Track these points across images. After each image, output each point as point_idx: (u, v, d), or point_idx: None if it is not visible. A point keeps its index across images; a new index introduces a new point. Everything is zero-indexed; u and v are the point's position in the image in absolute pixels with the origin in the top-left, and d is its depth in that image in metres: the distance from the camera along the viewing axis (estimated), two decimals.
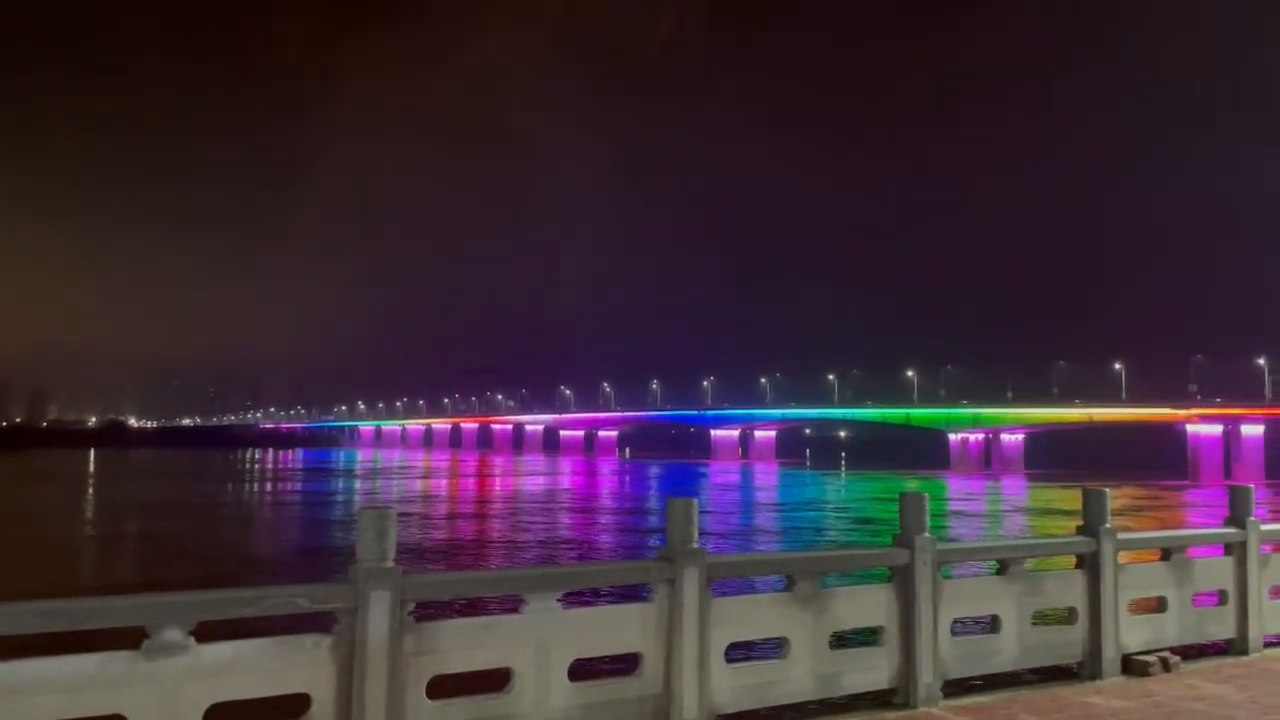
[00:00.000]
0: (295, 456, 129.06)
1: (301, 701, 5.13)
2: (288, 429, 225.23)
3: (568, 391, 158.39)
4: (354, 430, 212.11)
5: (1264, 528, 9.56)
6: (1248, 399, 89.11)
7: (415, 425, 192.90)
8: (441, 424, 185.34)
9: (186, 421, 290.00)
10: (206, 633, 4.92)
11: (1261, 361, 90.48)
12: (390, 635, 5.29)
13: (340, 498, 56.67)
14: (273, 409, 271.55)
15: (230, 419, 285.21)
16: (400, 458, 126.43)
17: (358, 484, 71.01)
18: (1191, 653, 8.97)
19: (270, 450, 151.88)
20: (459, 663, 5.62)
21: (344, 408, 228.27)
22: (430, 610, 5.76)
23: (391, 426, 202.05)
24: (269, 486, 69.50)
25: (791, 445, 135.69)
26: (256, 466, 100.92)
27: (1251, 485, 10.39)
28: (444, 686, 5.54)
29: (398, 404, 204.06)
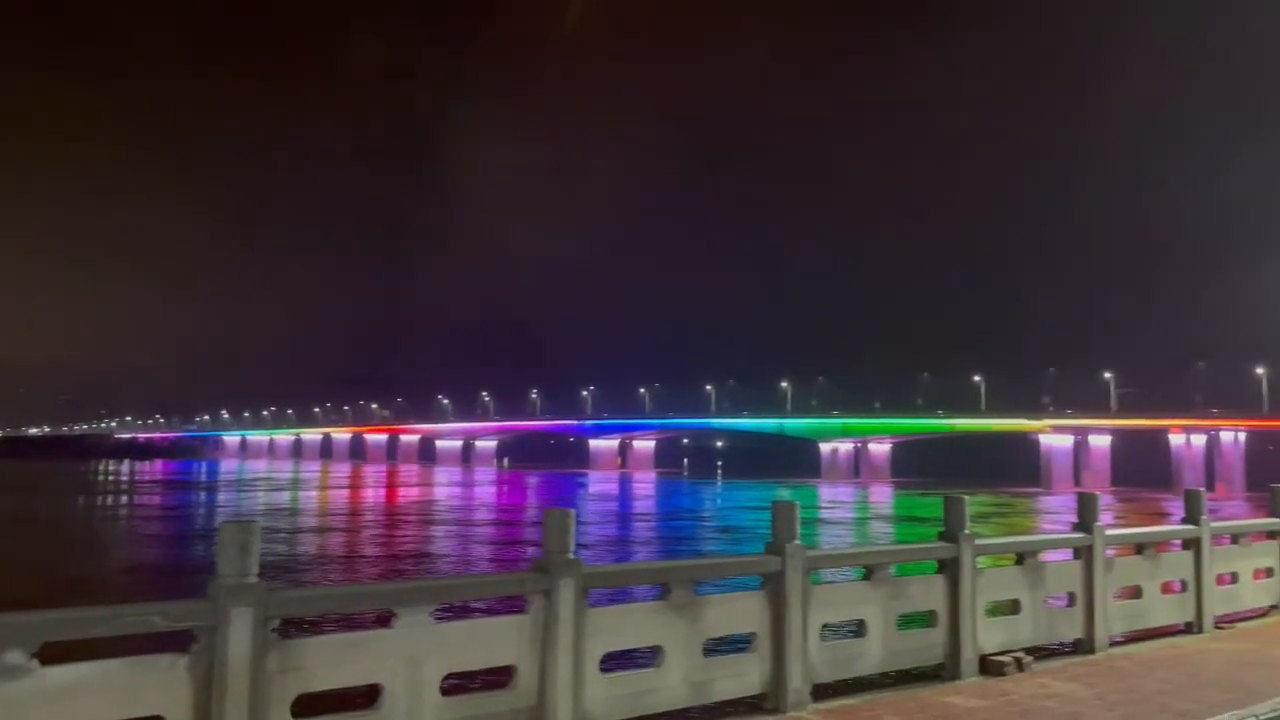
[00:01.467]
0: (154, 468, 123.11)
1: None
2: (145, 439, 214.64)
3: (445, 401, 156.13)
4: (218, 440, 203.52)
5: (1109, 532, 10.14)
6: (1096, 410, 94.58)
7: (283, 436, 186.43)
8: (311, 434, 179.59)
9: (35, 431, 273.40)
10: (53, 655, 4.64)
11: (1108, 376, 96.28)
12: (252, 653, 5.10)
13: (201, 511, 54.33)
14: (130, 418, 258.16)
15: (84, 428, 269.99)
16: (267, 469, 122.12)
17: (220, 496, 68.26)
18: (1044, 653, 9.44)
19: (127, 461, 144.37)
20: (326, 680, 5.46)
21: (207, 417, 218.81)
22: (298, 627, 5.58)
23: (258, 437, 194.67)
24: (125, 500, 66.05)
25: (670, 455, 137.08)
26: (111, 478, 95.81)
27: (1098, 493, 11.02)
28: (312, 705, 5.37)
29: (264, 413, 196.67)
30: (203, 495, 69.12)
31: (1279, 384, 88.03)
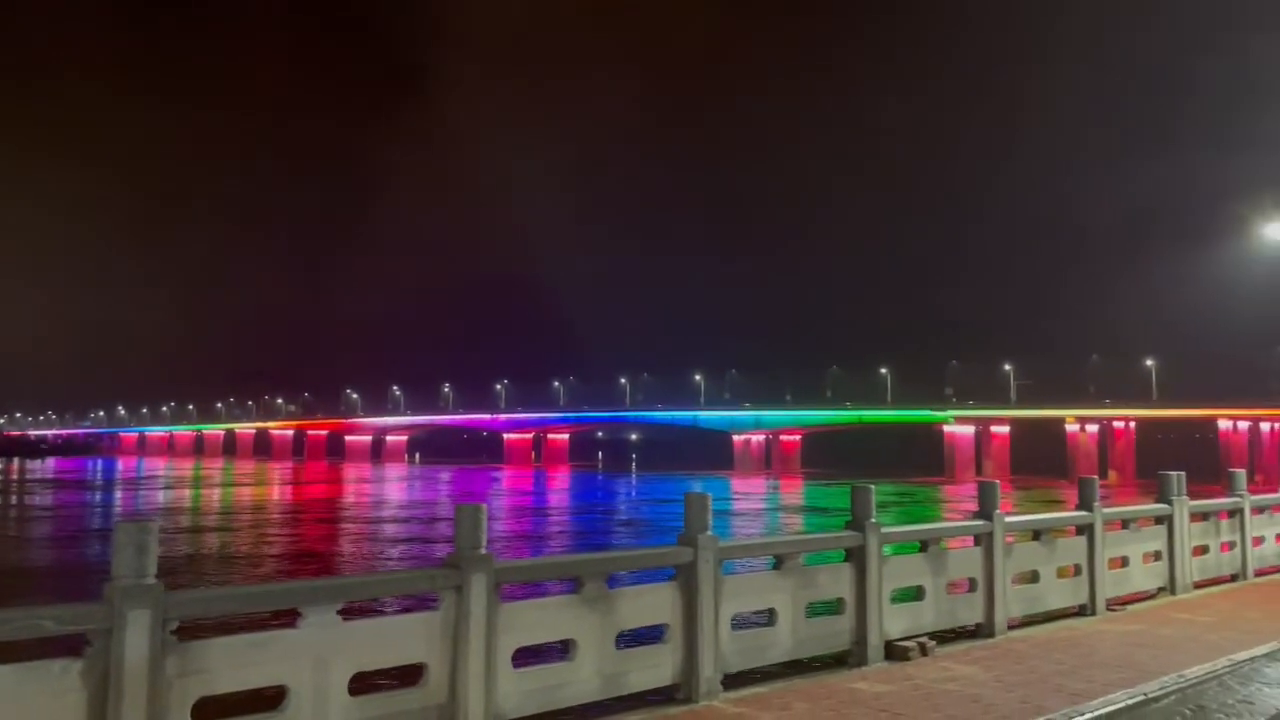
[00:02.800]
0: (46, 466, 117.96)
1: None
2: (37, 436, 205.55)
3: (354, 396, 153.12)
4: (114, 438, 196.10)
5: (1008, 520, 10.49)
6: (996, 402, 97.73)
7: (184, 432, 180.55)
8: (214, 430, 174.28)
9: None
10: None
11: (1008, 368, 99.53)
12: (150, 657, 4.93)
13: (98, 510, 52.28)
14: (19, 414, 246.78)
15: None
16: (167, 466, 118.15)
17: (117, 495, 65.81)
18: (947, 637, 9.72)
19: (15, 459, 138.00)
20: (228, 682, 5.32)
21: (102, 413, 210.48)
22: (199, 629, 5.42)
23: (157, 433, 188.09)
24: (14, 500, 63.15)
25: (585, 448, 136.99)
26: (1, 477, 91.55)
27: (997, 481, 11.40)
28: (214, 709, 5.22)
29: (163, 409, 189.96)
30: (99, 494, 66.53)
31: (1168, 375, 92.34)
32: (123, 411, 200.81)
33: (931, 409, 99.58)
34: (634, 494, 66.53)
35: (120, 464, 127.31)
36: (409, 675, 6.07)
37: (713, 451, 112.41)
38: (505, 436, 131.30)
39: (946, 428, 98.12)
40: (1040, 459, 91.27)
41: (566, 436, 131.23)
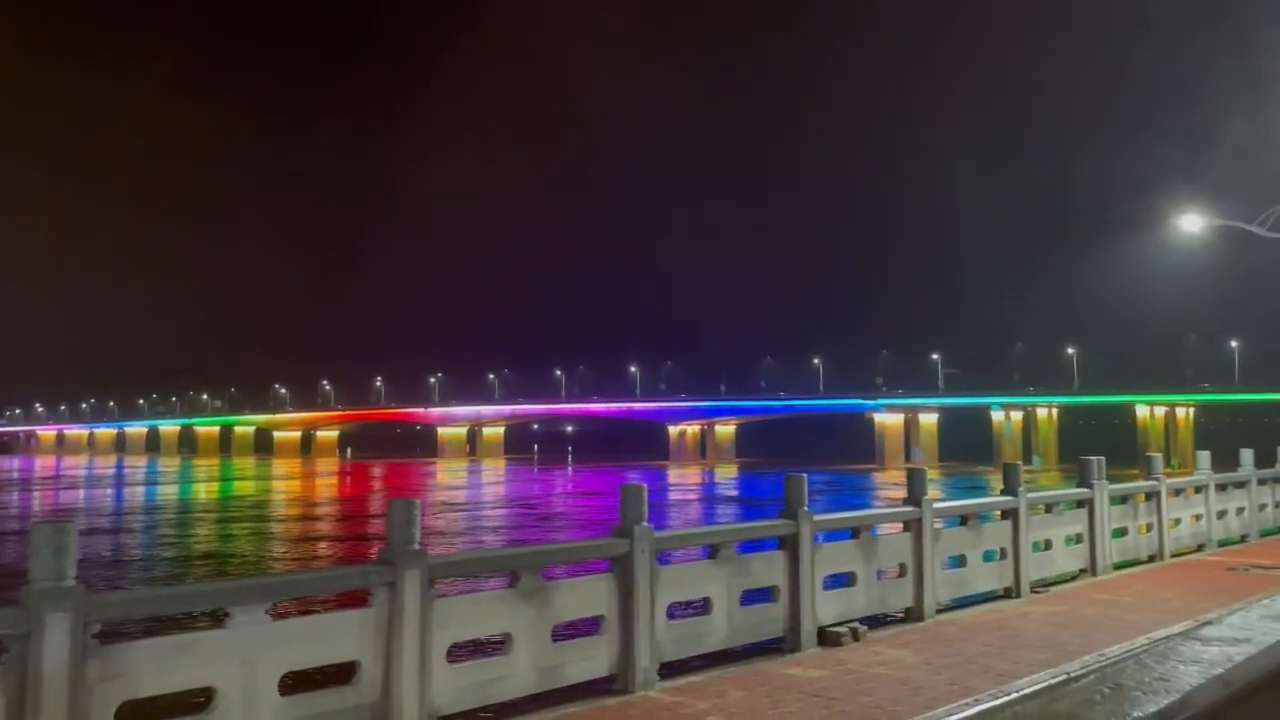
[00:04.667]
0: None
1: None
2: None
3: (283, 390, 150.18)
4: (30, 435, 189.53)
5: (936, 505, 10.71)
6: (925, 390, 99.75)
7: (104, 429, 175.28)
8: (136, 427, 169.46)
9: None
10: None
11: (936, 357, 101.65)
12: (70, 661, 4.80)
13: (14, 511, 50.56)
14: None
15: None
16: (87, 464, 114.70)
17: (35, 495, 63.71)
18: (878, 622, 9.90)
19: None
20: (153, 685, 5.19)
21: (18, 410, 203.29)
22: (123, 631, 5.28)
23: (76, 431, 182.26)
24: None
25: (521, 440, 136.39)
26: None
27: (925, 468, 11.62)
28: (139, 712, 5.10)
29: (83, 406, 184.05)
30: (14, 494, 64.29)
31: (1089, 363, 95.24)
32: (40, 409, 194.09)
33: (862, 398, 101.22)
34: (571, 486, 66.42)
35: (38, 463, 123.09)
36: (342, 674, 5.99)
37: (648, 442, 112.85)
38: (439, 430, 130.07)
39: (877, 416, 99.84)
40: (968, 446, 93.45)
41: (502, 429, 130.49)
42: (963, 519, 11.35)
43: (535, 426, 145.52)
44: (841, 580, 9.58)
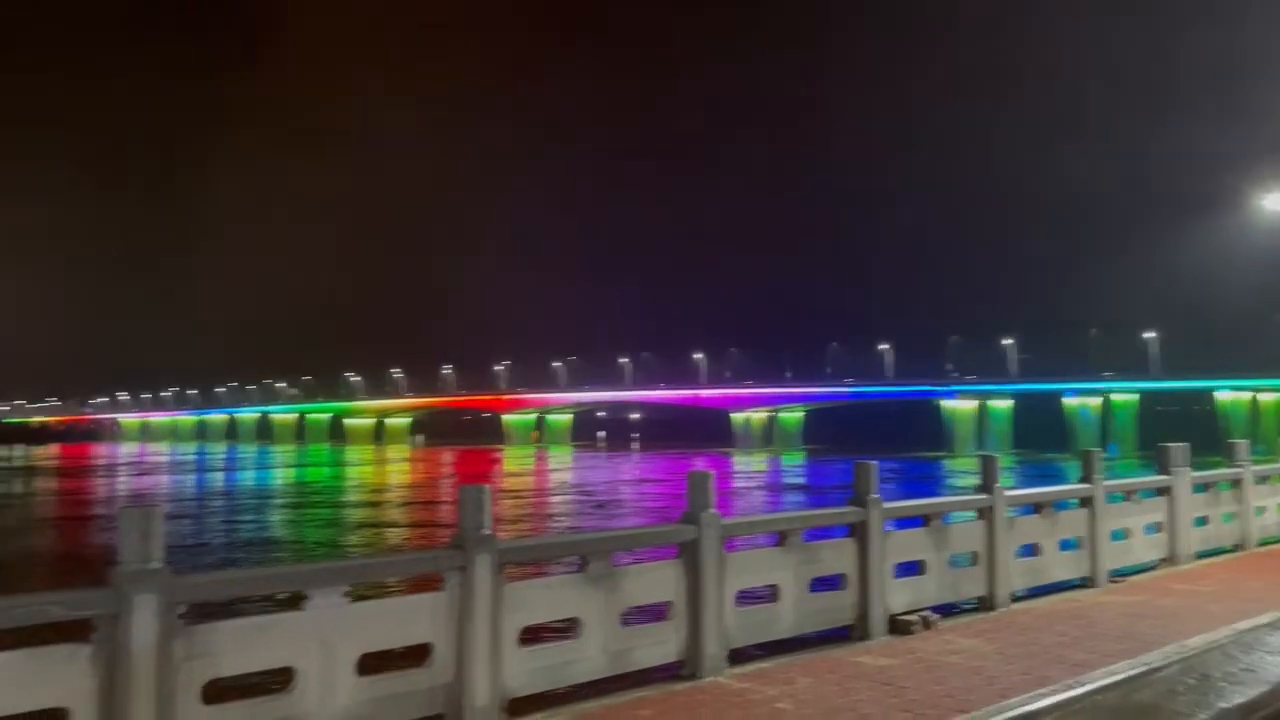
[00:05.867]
0: (50, 452, 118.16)
1: (58, 717, 4.74)
2: (40, 422, 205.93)
3: (355, 378, 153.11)
4: (114, 423, 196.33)
5: (1008, 493, 10.52)
6: (997, 376, 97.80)
7: (186, 417, 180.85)
8: (215, 415, 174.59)
9: None
10: None
11: (1008, 342, 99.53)
12: (158, 641, 4.96)
13: (107, 495, 52.44)
14: (20, 401, 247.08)
15: None
16: (169, 451, 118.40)
17: (129, 480, 65.94)
18: (950, 610, 9.77)
19: (19, 446, 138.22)
20: (236, 665, 5.36)
21: (105, 399, 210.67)
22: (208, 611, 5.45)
23: (161, 418, 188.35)
24: (22, 486, 63.30)
25: (587, 427, 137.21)
26: (6, 464, 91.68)
27: (998, 455, 11.42)
28: (223, 691, 5.26)
29: (165, 394, 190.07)
30: (108, 479, 66.69)
31: (1168, 348, 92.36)
32: (125, 397, 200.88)
33: (932, 385, 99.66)
34: (637, 473, 66.60)
35: (125, 449, 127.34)
36: (416, 656, 6.11)
37: (713, 430, 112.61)
38: (504, 417, 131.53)
39: (947, 403, 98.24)
40: (1042, 433, 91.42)
41: (569, 416, 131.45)
42: (1037, 507, 11.14)
43: (601, 414, 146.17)
44: (912, 568, 9.47)
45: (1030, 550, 10.88)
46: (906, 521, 9.66)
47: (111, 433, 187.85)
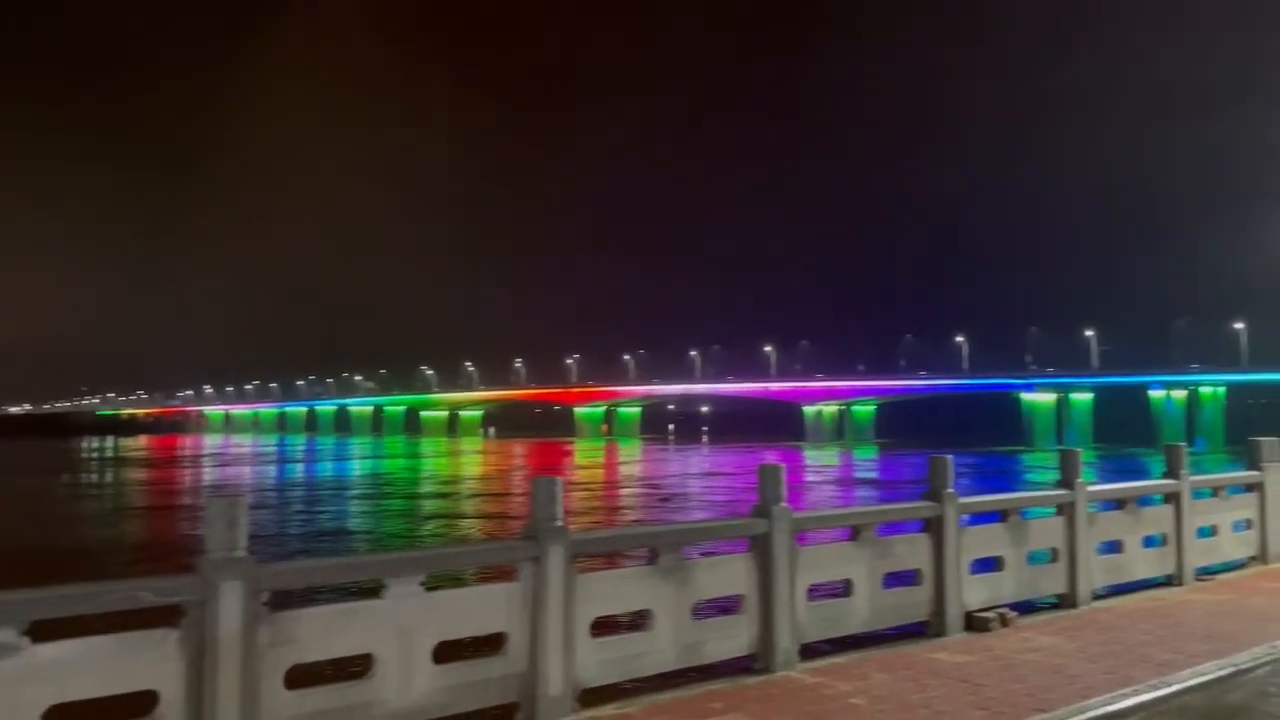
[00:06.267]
0: (138, 443, 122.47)
1: (149, 699, 4.92)
2: (129, 414, 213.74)
3: (429, 372, 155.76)
4: (199, 414, 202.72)
5: (1090, 489, 10.25)
6: (1077, 368, 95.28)
7: (267, 409, 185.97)
8: (296, 407, 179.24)
9: (15, 409, 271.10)
10: (46, 632, 4.65)
11: (1090, 334, 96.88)
12: (243, 627, 5.11)
13: (196, 485, 54.20)
14: (112, 394, 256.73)
15: (65, 405, 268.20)
16: (251, 443, 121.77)
17: (215, 470, 68.03)
18: (1029, 608, 9.57)
19: (111, 437, 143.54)
20: (318, 651, 5.49)
21: (190, 392, 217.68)
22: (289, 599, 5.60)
23: (243, 410, 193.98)
24: (111, 476, 65.75)
25: (656, 421, 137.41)
26: (96, 455, 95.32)
27: (1079, 449, 11.13)
28: (305, 676, 5.40)
29: (248, 387, 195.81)
30: (193, 470, 68.88)
31: (1258, 338, 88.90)
32: (209, 390, 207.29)
33: (1009, 377, 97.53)
34: (707, 466, 66.47)
35: (209, 440, 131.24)
36: (491, 645, 6.20)
37: (783, 423, 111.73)
38: (576, 410, 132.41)
39: (1025, 396, 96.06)
40: (1125, 427, 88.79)
41: (638, 409, 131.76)
42: (1120, 503, 10.84)
43: (670, 407, 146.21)
44: (989, 565, 9.30)
45: (1112, 547, 10.60)
46: (983, 517, 9.49)
47: (196, 424, 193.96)
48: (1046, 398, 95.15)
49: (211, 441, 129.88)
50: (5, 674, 4.50)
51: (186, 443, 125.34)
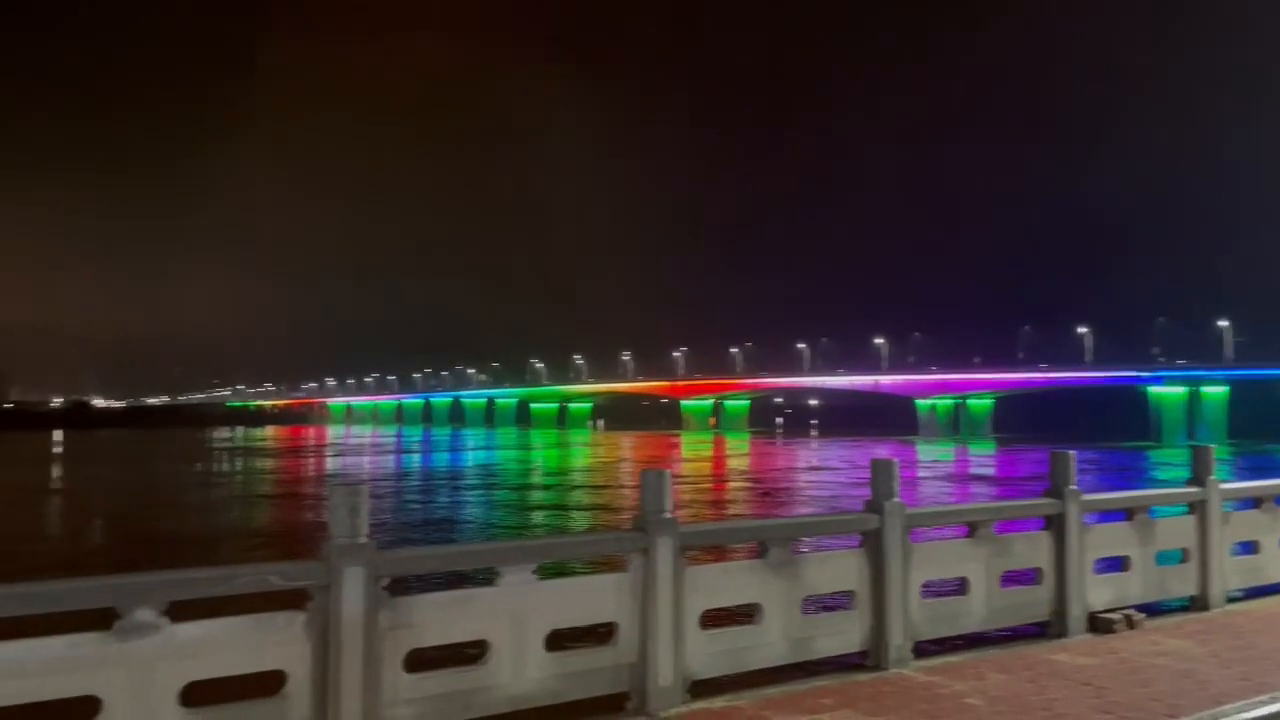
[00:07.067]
0: (266, 433, 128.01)
1: (277, 679, 5.14)
2: (258, 405, 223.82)
3: (539, 365, 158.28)
4: (322, 406, 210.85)
5: (1224, 486, 9.76)
6: (1210, 361, 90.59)
7: (385, 401, 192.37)
8: (412, 400, 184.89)
9: (153, 401, 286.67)
10: (182, 613, 4.90)
11: (1223, 323, 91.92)
12: (365, 611, 5.29)
13: (318, 473, 56.35)
14: (241, 386, 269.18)
15: (198, 397, 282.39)
16: (371, 434, 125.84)
17: (337, 460, 70.58)
18: (1157, 610, 9.18)
19: (241, 427, 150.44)
20: (435, 636, 5.64)
21: (314, 384, 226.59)
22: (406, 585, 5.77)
23: (363, 402, 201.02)
24: (245, 464, 68.85)
25: (764, 414, 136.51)
26: (227, 445, 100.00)
27: (1212, 445, 10.60)
28: (421, 660, 5.56)
29: (368, 379, 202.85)
30: (316, 459, 71.58)
31: None
32: (332, 383, 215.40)
33: (1135, 370, 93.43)
34: (815, 460, 65.72)
35: (332, 431, 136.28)
36: (600, 634, 6.27)
37: (896, 417, 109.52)
38: (683, 403, 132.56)
39: (1153, 389, 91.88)
40: (1262, 422, 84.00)
41: (746, 402, 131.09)
42: (1257, 501, 10.27)
43: (779, 400, 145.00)
44: (1114, 564, 8.95)
45: (1248, 548, 10.07)
46: (1107, 515, 9.14)
47: (319, 416, 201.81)
48: (1176, 391, 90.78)
49: (333, 432, 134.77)
50: (146, 652, 4.77)
51: (310, 433, 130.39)
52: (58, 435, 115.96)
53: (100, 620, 4.71)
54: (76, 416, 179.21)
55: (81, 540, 28.83)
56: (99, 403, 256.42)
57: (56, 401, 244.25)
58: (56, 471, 62.31)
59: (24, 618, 4.56)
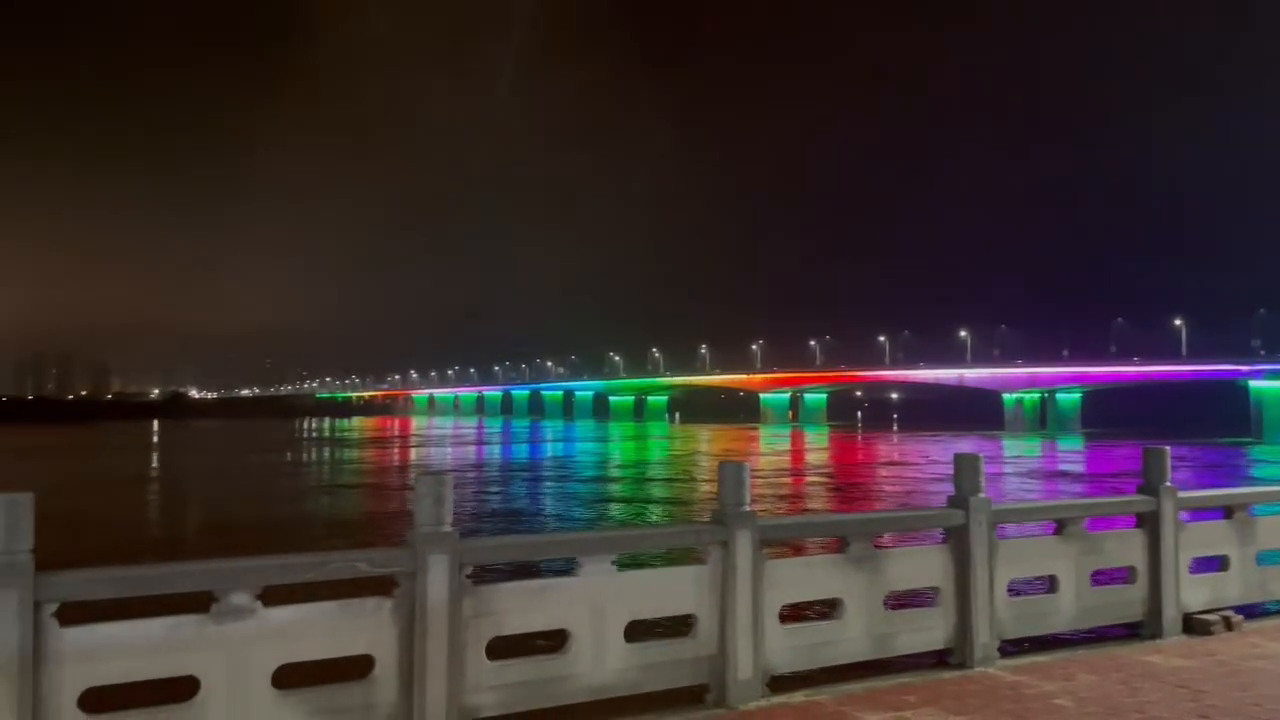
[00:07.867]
0: (352, 424, 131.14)
1: (365, 663, 5.27)
2: (345, 397, 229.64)
3: (617, 358, 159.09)
4: (408, 399, 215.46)
5: None
6: None
7: (466, 392, 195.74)
8: (492, 392, 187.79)
9: (245, 392, 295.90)
10: (274, 597, 5.06)
11: None
12: (449, 598, 5.38)
13: (403, 463, 57.52)
14: (328, 378, 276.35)
15: (287, 389, 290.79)
16: (452, 425, 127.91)
17: (422, 451, 71.96)
18: (1258, 612, 8.83)
19: (328, 418, 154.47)
20: (517, 624, 5.71)
21: (397, 377, 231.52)
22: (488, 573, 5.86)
23: (445, 394, 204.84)
24: (332, 454, 70.65)
25: (844, 407, 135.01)
26: (314, 435, 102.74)
27: None
28: (503, 648, 5.64)
29: (449, 372, 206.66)
30: (400, 449, 73.07)
31: None
32: (415, 375, 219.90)
33: (1234, 363, 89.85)
34: (896, 455, 64.76)
35: (416, 422, 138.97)
36: (679, 626, 6.28)
37: (980, 411, 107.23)
38: (762, 395, 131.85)
39: (1254, 383, 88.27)
40: None
41: (824, 395, 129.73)
42: None
43: (858, 393, 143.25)
44: (1211, 564, 8.63)
45: None
46: (1204, 513, 8.82)
47: (403, 407, 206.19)
48: (1277, 385, 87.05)
49: (417, 423, 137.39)
50: (241, 635, 4.93)
51: (394, 424, 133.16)
52: (155, 425, 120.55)
53: (198, 603, 4.89)
54: (173, 407, 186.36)
55: (177, 525, 29.92)
56: (194, 394, 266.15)
57: (155, 393, 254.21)
58: (154, 459, 64.76)
59: (128, 600, 4.75)
